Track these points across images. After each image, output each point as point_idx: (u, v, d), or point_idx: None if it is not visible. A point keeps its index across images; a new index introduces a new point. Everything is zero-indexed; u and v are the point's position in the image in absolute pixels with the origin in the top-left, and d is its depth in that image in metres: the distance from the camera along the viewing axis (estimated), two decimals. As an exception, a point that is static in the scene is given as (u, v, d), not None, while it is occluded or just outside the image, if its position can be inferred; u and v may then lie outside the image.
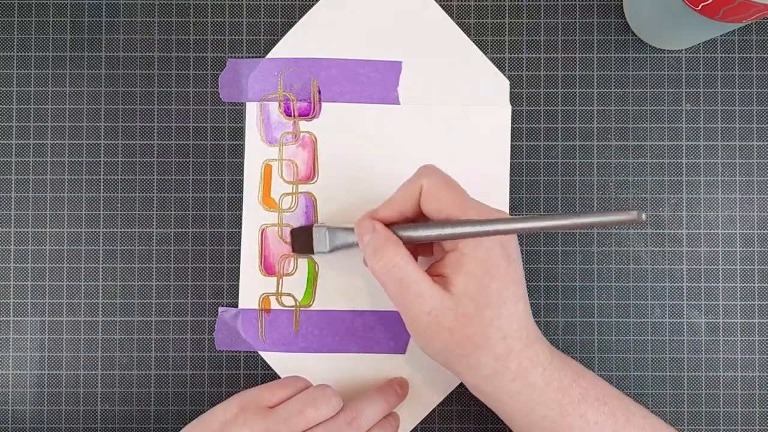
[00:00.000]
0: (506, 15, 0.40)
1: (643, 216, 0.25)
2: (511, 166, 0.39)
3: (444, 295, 0.29)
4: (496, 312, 0.29)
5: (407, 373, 0.38)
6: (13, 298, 0.39)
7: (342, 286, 0.39)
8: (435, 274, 0.31)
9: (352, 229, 0.34)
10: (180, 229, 0.39)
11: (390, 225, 0.32)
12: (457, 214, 0.30)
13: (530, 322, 0.31)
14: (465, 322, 0.29)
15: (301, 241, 0.36)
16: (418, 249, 0.34)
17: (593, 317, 0.39)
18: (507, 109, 0.39)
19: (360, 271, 0.38)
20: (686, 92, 0.39)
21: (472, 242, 0.30)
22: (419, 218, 0.32)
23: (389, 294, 0.31)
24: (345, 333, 0.39)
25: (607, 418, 0.30)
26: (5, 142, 0.39)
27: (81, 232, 0.39)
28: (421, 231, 0.31)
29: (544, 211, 0.39)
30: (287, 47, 0.39)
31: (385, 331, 0.38)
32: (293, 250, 0.38)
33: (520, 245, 0.39)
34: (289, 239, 0.38)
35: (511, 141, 0.39)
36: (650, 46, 0.39)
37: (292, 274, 0.39)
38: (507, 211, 0.39)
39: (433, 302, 0.29)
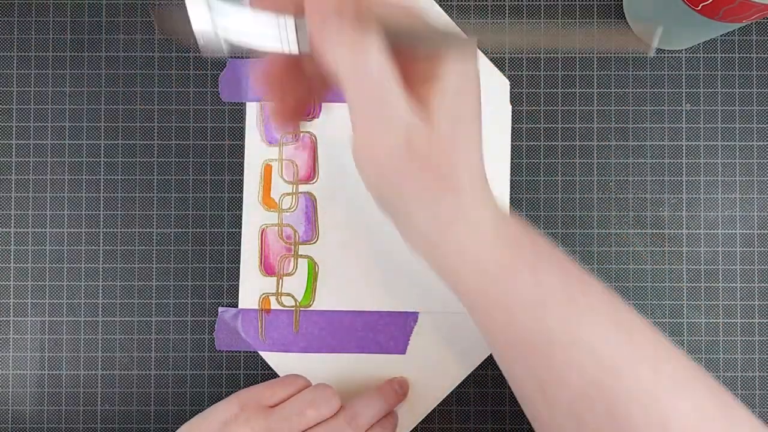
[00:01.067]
0: (506, 15, 0.40)
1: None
2: (511, 166, 0.39)
3: (421, 110, 0.23)
4: (467, 134, 0.25)
5: (407, 373, 0.38)
6: (13, 298, 0.39)
7: (342, 286, 0.39)
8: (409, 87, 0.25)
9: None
10: (180, 229, 0.39)
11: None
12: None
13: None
14: (436, 145, 0.24)
15: (171, 18, 0.24)
16: None
17: (593, 317, 0.39)
18: (507, 109, 0.39)
19: (360, 271, 0.38)
20: (686, 92, 0.39)
21: (451, 55, 0.24)
22: None
23: (355, 102, 0.23)
24: (345, 333, 0.39)
25: (562, 278, 0.26)
26: (5, 142, 0.39)
27: (81, 232, 0.39)
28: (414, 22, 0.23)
29: (543, 211, 0.39)
30: (287, 47, 0.39)
31: (385, 331, 0.38)
32: (159, 25, 0.28)
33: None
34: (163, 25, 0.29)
35: (511, 141, 0.39)
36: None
37: (292, 274, 0.39)
38: (507, 209, 0.39)
39: (409, 119, 0.23)
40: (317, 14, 0.22)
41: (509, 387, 0.29)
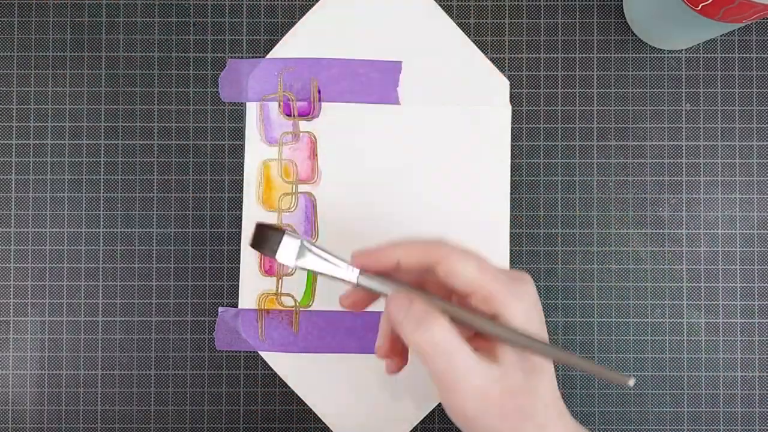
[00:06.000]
0: (506, 15, 0.40)
1: (631, 382, 0.27)
2: (511, 166, 0.39)
3: (491, 366, 0.28)
4: (540, 378, 0.29)
5: (406, 373, 0.38)
6: (13, 298, 0.39)
7: (342, 286, 0.39)
8: (476, 342, 0.30)
9: (333, 263, 0.30)
10: (180, 229, 0.39)
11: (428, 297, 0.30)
12: (487, 279, 0.28)
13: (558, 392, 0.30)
14: (513, 393, 0.28)
15: (264, 240, 0.30)
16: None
17: (593, 317, 0.39)
18: (507, 109, 0.39)
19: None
20: (686, 92, 0.39)
21: (513, 309, 0.28)
22: (426, 279, 0.31)
23: (434, 370, 0.28)
24: (345, 333, 0.39)
25: None
26: (5, 142, 0.39)
27: (81, 232, 0.39)
28: (467, 316, 0.28)
29: (543, 211, 0.39)
30: (287, 47, 0.39)
31: (385, 331, 0.38)
32: (251, 244, 0.31)
33: (521, 245, 0.39)
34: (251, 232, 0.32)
35: (511, 141, 0.39)
36: (650, 46, 0.39)
37: (292, 274, 0.39)
38: (507, 211, 0.39)
39: (483, 377, 0.28)
40: (394, 303, 0.29)
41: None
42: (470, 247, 0.30)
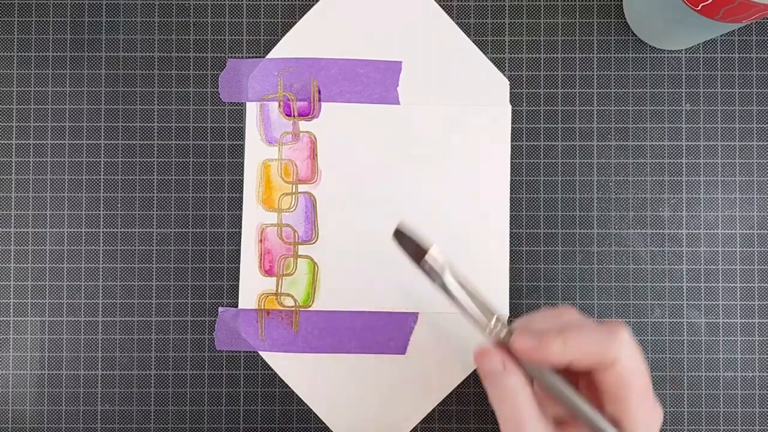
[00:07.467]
0: (506, 15, 0.40)
1: None
2: (511, 166, 0.39)
3: None
4: None
5: (407, 373, 0.38)
6: (13, 298, 0.39)
7: (342, 286, 0.39)
8: (553, 413, 0.30)
9: (476, 299, 0.30)
10: (180, 229, 0.39)
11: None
12: (636, 404, 0.27)
13: None
14: None
15: (412, 245, 0.31)
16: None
17: (593, 317, 0.39)
18: (507, 109, 0.39)
19: (360, 271, 0.38)
20: (686, 92, 0.39)
21: (633, 428, 0.27)
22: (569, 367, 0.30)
23: (499, 419, 0.28)
24: (345, 333, 0.39)
25: None
26: (5, 142, 0.39)
27: (81, 232, 0.39)
28: (579, 404, 0.28)
29: (543, 211, 0.39)
30: (287, 47, 0.39)
31: (385, 331, 0.38)
32: (396, 235, 0.31)
33: (521, 245, 0.39)
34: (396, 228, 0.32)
35: (511, 141, 0.39)
36: (650, 46, 0.39)
37: (292, 274, 0.39)
38: (507, 211, 0.39)
39: None
40: (480, 361, 0.29)
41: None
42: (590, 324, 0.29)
